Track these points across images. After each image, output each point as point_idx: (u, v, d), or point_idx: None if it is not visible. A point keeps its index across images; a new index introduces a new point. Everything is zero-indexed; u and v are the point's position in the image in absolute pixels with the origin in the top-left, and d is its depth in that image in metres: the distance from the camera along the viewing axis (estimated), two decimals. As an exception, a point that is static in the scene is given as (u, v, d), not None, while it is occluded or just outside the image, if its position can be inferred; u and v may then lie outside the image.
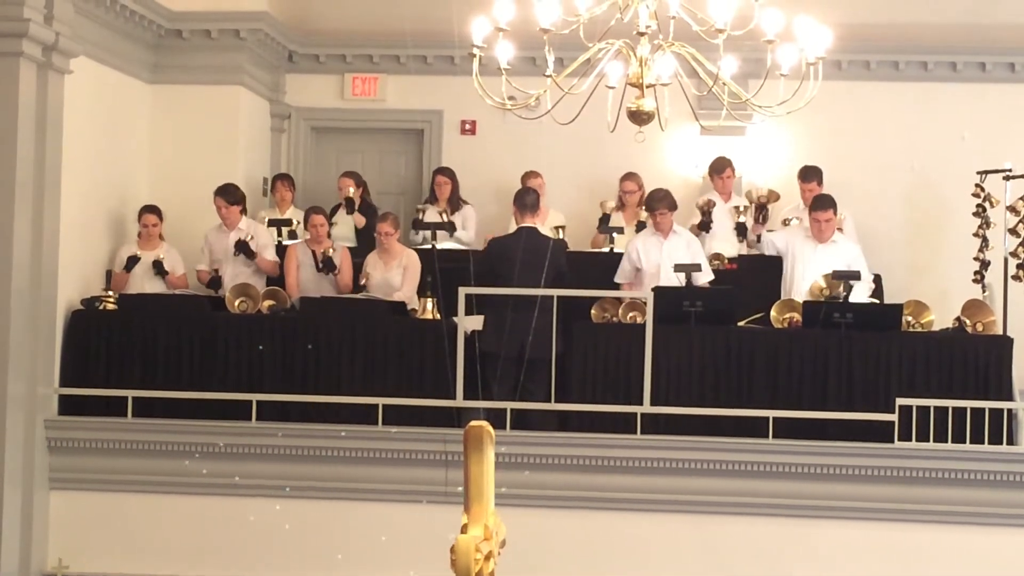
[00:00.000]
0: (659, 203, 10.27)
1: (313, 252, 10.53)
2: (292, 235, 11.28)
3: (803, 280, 10.03)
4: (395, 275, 10.23)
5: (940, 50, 11.96)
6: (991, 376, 9.37)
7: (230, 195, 10.53)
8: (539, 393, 9.50)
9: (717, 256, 10.66)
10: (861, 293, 9.87)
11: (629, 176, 11.48)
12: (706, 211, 10.97)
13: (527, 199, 9.99)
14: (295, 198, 11.91)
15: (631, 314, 9.85)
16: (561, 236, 10.75)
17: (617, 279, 10.32)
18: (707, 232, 10.94)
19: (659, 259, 10.15)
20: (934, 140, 11.95)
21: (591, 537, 9.34)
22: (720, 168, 11.47)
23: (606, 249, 11.08)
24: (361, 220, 11.40)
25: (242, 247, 10.43)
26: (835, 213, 10.12)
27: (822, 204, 10.13)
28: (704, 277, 10.17)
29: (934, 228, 11.49)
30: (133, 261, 10.45)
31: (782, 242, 10.36)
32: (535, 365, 9.41)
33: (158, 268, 10.46)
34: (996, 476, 9.13)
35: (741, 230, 11.16)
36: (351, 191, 11.47)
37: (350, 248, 10.94)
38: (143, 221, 10.65)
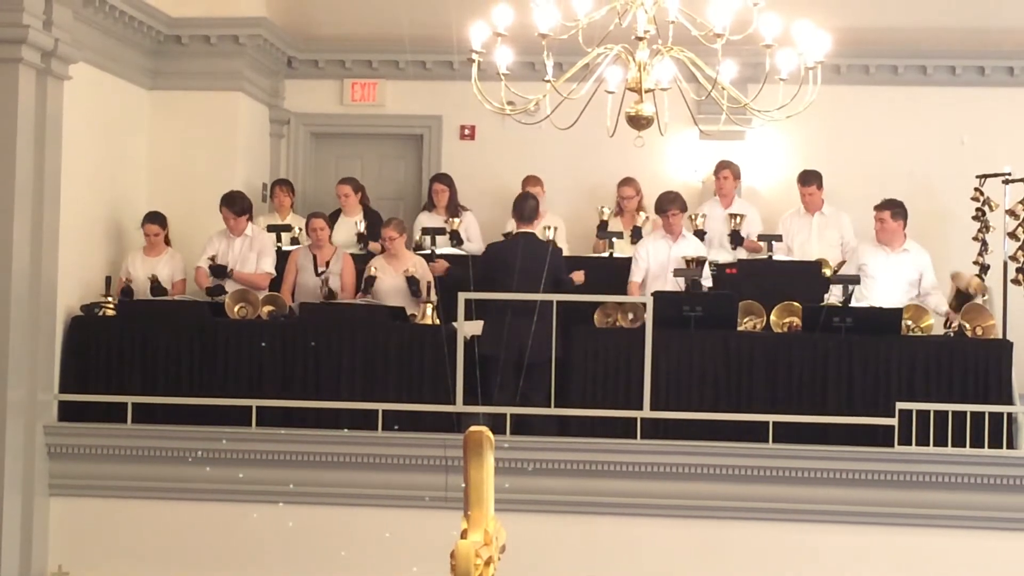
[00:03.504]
0: (671, 204, 10.33)
1: (314, 257, 10.53)
2: (294, 241, 11.29)
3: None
4: (403, 282, 10.20)
5: (939, 54, 11.97)
6: (991, 380, 9.37)
7: (236, 205, 10.54)
8: (538, 398, 9.50)
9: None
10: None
11: (627, 181, 11.49)
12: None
13: (526, 208, 9.98)
14: (294, 204, 11.92)
15: (630, 316, 9.86)
16: (551, 237, 10.77)
17: (632, 278, 10.36)
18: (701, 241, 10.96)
19: (667, 262, 10.16)
20: (933, 144, 11.96)
21: (592, 542, 9.33)
22: (717, 169, 11.50)
23: (606, 254, 11.08)
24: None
25: (217, 271, 10.41)
26: (893, 216, 10.17)
27: (879, 205, 10.28)
28: (704, 280, 10.17)
29: (933, 232, 11.47)
30: (128, 294, 10.40)
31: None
32: (534, 370, 9.41)
33: (155, 288, 10.37)
34: (996, 480, 9.13)
35: (736, 238, 11.15)
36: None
37: (354, 254, 10.95)
38: (146, 231, 10.64)
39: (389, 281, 10.27)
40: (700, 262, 10.10)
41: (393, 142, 12.92)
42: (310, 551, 9.44)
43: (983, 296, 10.02)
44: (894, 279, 10.02)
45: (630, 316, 9.90)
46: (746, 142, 11.87)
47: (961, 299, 9.94)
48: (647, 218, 11.40)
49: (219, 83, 11.65)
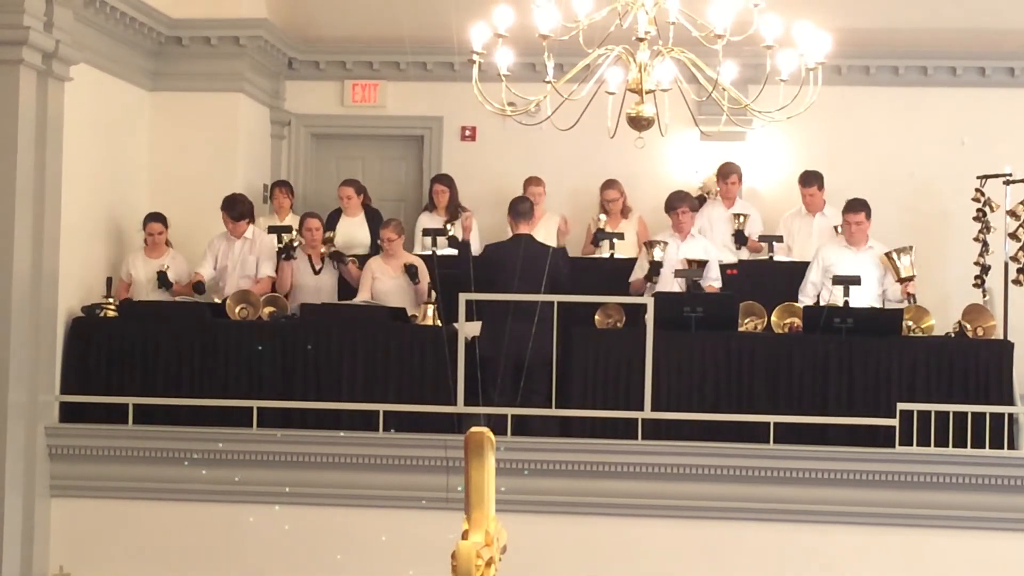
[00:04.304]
0: (681, 202, 10.37)
1: (309, 257, 10.54)
2: (292, 244, 11.28)
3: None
4: (403, 281, 10.22)
5: (939, 55, 11.97)
6: (992, 381, 9.38)
7: (234, 209, 10.54)
8: (539, 400, 9.50)
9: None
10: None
11: (610, 184, 11.49)
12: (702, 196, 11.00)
13: (521, 207, 10.01)
14: (294, 205, 11.91)
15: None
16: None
17: (632, 277, 10.41)
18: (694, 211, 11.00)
19: (674, 262, 10.15)
20: (934, 145, 11.96)
21: (593, 543, 9.33)
22: (726, 174, 11.49)
23: (607, 255, 11.08)
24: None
25: (198, 288, 10.45)
26: (867, 217, 10.14)
27: (853, 207, 10.19)
28: (713, 284, 10.18)
29: (934, 233, 11.49)
30: (163, 276, 10.46)
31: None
32: (534, 372, 9.40)
33: (162, 281, 10.44)
34: (997, 480, 9.14)
35: (739, 238, 11.17)
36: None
37: (362, 255, 10.98)
38: (148, 230, 10.67)
39: (388, 282, 10.28)
40: (701, 264, 10.11)
41: (394, 143, 12.92)
42: (311, 552, 9.44)
43: (911, 259, 10.07)
44: (865, 276, 9.99)
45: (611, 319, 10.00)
46: (747, 143, 11.87)
47: (899, 274, 10.02)
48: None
49: (220, 84, 11.65)
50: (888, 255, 10.10)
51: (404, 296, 10.17)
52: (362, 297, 10.24)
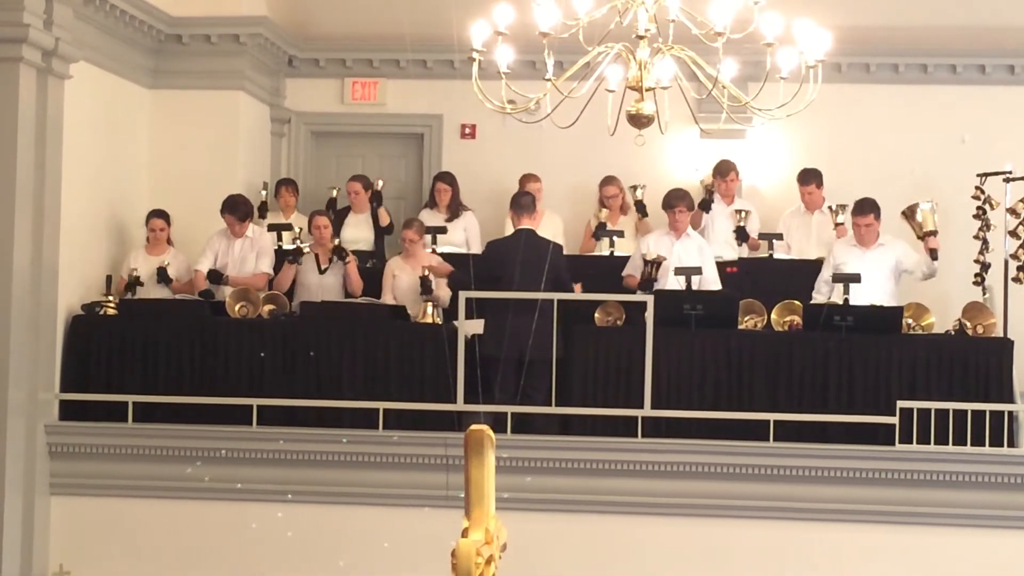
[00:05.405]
0: (679, 201, 10.32)
1: (316, 256, 10.54)
2: (295, 241, 11.28)
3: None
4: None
5: (940, 52, 11.96)
6: (992, 378, 9.38)
7: (239, 211, 10.53)
8: (539, 397, 9.51)
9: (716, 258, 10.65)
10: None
11: (609, 180, 11.49)
12: (710, 191, 11.03)
13: (523, 201, 10.03)
14: (297, 203, 11.91)
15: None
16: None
17: (625, 272, 10.38)
18: (707, 212, 11.02)
19: (669, 260, 10.14)
20: (934, 142, 11.95)
21: (593, 541, 9.34)
22: (724, 171, 11.47)
23: (607, 252, 11.08)
24: (386, 218, 11.39)
25: (213, 277, 10.45)
26: (876, 218, 10.11)
27: (862, 209, 10.13)
28: (711, 285, 10.15)
29: (934, 231, 11.49)
30: (135, 282, 10.40)
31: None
32: (535, 368, 9.40)
33: (162, 276, 10.45)
34: (997, 478, 9.14)
35: (741, 234, 11.17)
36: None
37: (368, 252, 10.97)
38: (150, 226, 10.68)
39: (407, 280, 10.29)
40: (658, 263, 10.03)
41: (394, 141, 12.91)
42: (311, 550, 9.44)
43: (934, 217, 10.02)
44: (874, 274, 9.97)
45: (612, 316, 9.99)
46: (747, 141, 11.86)
47: (920, 230, 10.03)
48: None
49: (220, 82, 11.64)
50: (904, 213, 10.05)
51: (421, 297, 10.16)
52: (386, 298, 10.26)
